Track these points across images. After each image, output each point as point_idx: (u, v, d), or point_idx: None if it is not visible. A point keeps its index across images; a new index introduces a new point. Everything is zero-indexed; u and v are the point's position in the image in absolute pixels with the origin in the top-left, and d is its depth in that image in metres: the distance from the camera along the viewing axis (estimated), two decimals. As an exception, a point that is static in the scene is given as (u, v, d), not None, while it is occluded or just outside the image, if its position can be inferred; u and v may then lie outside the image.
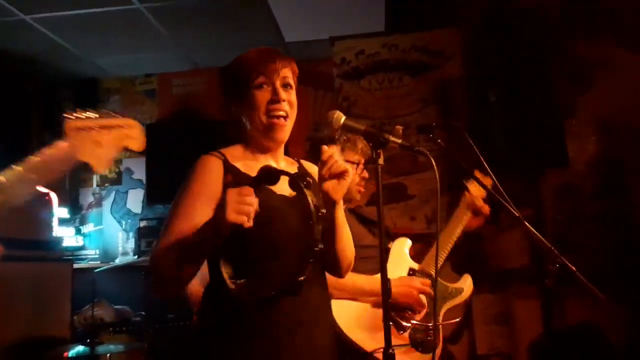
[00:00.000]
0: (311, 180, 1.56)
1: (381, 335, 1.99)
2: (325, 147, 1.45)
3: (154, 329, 3.30)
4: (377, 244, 2.27)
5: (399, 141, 1.63)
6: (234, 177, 1.48)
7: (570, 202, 3.60)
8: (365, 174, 2.36)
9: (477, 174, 2.45)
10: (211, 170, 1.49)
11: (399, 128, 2.33)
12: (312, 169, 1.73)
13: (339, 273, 1.67)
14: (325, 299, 1.61)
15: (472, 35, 3.90)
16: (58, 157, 1.03)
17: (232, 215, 1.23)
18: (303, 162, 1.76)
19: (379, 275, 1.47)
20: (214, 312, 1.48)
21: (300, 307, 1.48)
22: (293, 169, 1.68)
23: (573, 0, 3.74)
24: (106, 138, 1.05)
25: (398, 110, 3.97)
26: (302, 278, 1.39)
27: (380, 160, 1.52)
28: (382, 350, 1.95)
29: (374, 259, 2.23)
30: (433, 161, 1.59)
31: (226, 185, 1.46)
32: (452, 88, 3.98)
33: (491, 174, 2.31)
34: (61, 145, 1.03)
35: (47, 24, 4.06)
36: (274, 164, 1.57)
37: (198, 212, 1.41)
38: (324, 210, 1.52)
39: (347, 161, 2.27)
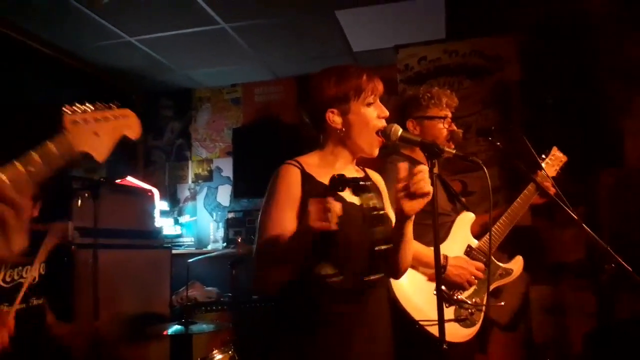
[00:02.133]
0: (370, 185, 1.59)
1: (430, 307, 1.97)
2: (404, 165, 1.41)
3: (239, 309, 3.40)
4: (449, 212, 2.25)
5: (453, 152, 1.60)
6: (309, 185, 1.52)
7: (625, 201, 3.36)
8: (454, 127, 2.28)
9: (555, 150, 2.37)
10: (291, 179, 1.53)
11: (459, 132, 2.30)
12: (374, 175, 1.75)
13: (394, 276, 1.68)
14: (385, 299, 1.63)
15: (527, 40, 3.73)
16: (58, 150, 0.97)
17: (315, 223, 1.27)
18: (367, 170, 1.76)
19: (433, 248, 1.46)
20: (295, 301, 1.52)
21: (369, 302, 1.51)
22: (359, 175, 1.69)
23: (622, 1, 3.49)
24: (104, 129, 1.01)
25: (458, 111, 3.86)
26: (369, 278, 1.46)
27: (436, 170, 1.49)
28: (427, 321, 1.95)
29: (443, 227, 2.22)
30: (485, 169, 1.55)
31: (305, 193, 1.50)
32: (510, 91, 3.84)
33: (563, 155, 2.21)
34: (61, 139, 0.97)
35: (148, 44, 4.27)
36: (345, 172, 1.59)
37: (286, 217, 1.47)
38: (381, 212, 1.55)
39: (434, 117, 2.25)
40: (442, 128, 2.26)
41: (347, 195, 1.52)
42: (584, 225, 2.06)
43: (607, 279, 1.80)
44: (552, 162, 2.36)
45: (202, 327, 2.77)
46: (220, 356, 2.40)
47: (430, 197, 1.41)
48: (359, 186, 1.48)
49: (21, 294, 2.13)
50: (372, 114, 1.56)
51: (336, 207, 1.27)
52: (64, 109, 1.00)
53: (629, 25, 3.42)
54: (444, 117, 2.27)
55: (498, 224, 2.27)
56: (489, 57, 3.95)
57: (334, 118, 1.57)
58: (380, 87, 1.59)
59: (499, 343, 3.55)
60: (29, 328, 2.14)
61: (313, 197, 1.31)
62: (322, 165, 1.58)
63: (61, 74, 4.36)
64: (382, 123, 1.57)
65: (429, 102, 2.27)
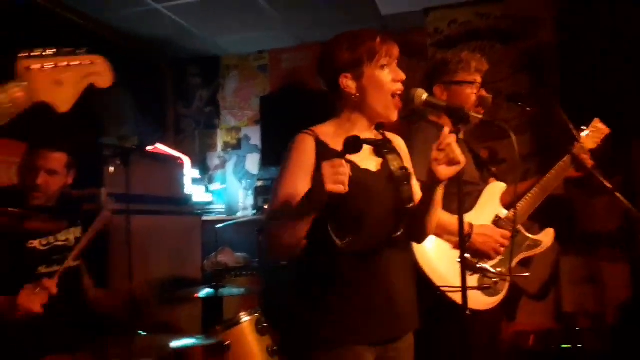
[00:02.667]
0: (394, 147, 1.59)
1: (453, 274, 1.98)
2: (445, 132, 1.42)
3: (267, 274, 3.48)
4: (477, 180, 2.23)
5: (479, 117, 1.58)
6: (322, 152, 1.53)
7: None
8: (483, 92, 2.24)
9: (597, 122, 2.30)
10: (304, 147, 1.55)
11: (489, 97, 2.25)
12: (395, 139, 1.74)
13: (418, 240, 1.70)
14: (408, 259, 1.65)
15: (564, 1, 3.57)
16: (11, 100, 0.86)
17: (329, 185, 1.28)
18: (387, 133, 1.75)
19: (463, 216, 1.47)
20: (314, 264, 1.55)
21: (389, 263, 1.53)
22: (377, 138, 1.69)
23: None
24: (67, 76, 0.90)
25: (489, 77, 3.76)
26: (397, 234, 1.51)
27: (461, 135, 1.48)
28: (450, 287, 1.96)
29: (471, 197, 2.20)
30: (512, 135, 1.53)
31: (318, 161, 1.51)
32: (544, 55, 3.71)
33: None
34: (13, 89, 0.86)
35: (175, 11, 4.27)
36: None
37: (298, 183, 1.49)
38: (407, 171, 1.57)
39: (463, 82, 2.20)
40: (471, 93, 2.22)
41: (364, 164, 1.54)
42: (619, 194, 2.01)
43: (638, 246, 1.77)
44: (593, 134, 2.28)
45: (231, 290, 2.87)
46: (247, 318, 2.49)
47: (462, 165, 1.42)
48: (382, 147, 1.48)
49: (76, 251, 2.21)
50: (387, 77, 1.55)
51: (347, 169, 1.29)
52: (19, 54, 0.89)
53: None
54: (473, 82, 2.22)
55: (529, 194, 2.23)
56: (523, 19, 3.81)
57: (348, 83, 1.56)
58: (395, 50, 1.56)
59: (527, 311, 3.55)
60: (67, 288, 2.24)
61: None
62: (338, 134, 1.58)
63: (87, 43, 4.40)
64: (398, 86, 1.55)
65: (457, 66, 2.22)
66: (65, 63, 0.92)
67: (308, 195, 1.37)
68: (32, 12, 3.80)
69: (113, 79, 0.96)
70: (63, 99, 0.90)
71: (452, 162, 1.41)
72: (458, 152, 1.41)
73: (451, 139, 1.41)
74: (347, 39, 1.58)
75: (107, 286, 2.86)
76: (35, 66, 0.88)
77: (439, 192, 1.53)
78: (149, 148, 4.37)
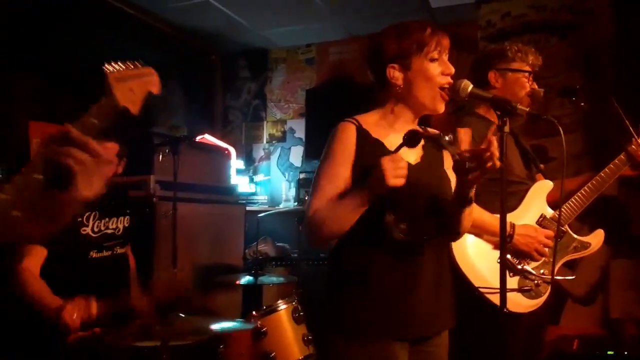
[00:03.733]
0: (452, 139, 1.60)
1: (492, 275, 1.96)
2: (493, 134, 1.40)
3: (306, 265, 3.53)
4: (523, 178, 2.18)
5: (526, 109, 1.55)
6: (363, 141, 1.54)
7: None
8: (535, 85, 2.20)
9: None
10: (346, 136, 1.56)
11: (540, 91, 2.19)
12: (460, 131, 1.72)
13: (453, 236, 1.70)
14: (445, 256, 1.66)
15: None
16: (108, 105, 1.05)
17: (391, 180, 1.32)
18: (429, 129, 1.74)
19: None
20: (353, 256, 1.56)
21: (425, 259, 1.54)
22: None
23: None
24: (136, 85, 1.09)
25: (543, 71, 3.63)
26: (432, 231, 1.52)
27: (506, 128, 1.45)
28: (488, 288, 1.93)
29: (516, 196, 2.17)
30: (560, 129, 1.49)
31: (358, 149, 1.53)
32: (600, 50, 3.56)
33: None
34: (110, 96, 1.05)
35: (225, 4, 4.35)
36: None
37: (339, 174, 1.52)
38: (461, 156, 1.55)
39: (520, 70, 2.17)
40: (526, 83, 2.17)
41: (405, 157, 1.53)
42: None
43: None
44: None
45: (270, 279, 2.94)
46: (284, 306, 2.54)
47: (492, 169, 1.39)
48: (440, 140, 1.47)
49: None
50: (436, 69, 1.54)
51: (406, 165, 1.33)
52: (105, 67, 1.07)
53: None
54: (530, 72, 2.17)
55: (579, 194, 2.17)
56: (580, 12, 3.66)
57: (395, 73, 1.56)
58: (445, 42, 1.55)
59: (573, 315, 3.43)
60: (114, 274, 2.37)
61: (369, 153, 1.38)
62: (380, 124, 1.60)
63: (142, 35, 4.56)
64: (447, 80, 1.54)
65: (515, 54, 2.19)
66: (134, 74, 1.10)
67: (365, 187, 1.39)
68: (85, 2, 3.96)
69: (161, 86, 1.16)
70: (135, 104, 1.09)
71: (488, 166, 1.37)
72: (496, 157, 1.38)
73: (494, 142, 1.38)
74: (397, 29, 1.59)
75: (153, 271, 2.97)
76: (120, 78, 1.07)
77: (472, 192, 1.52)
78: (197, 138, 4.50)
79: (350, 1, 4.28)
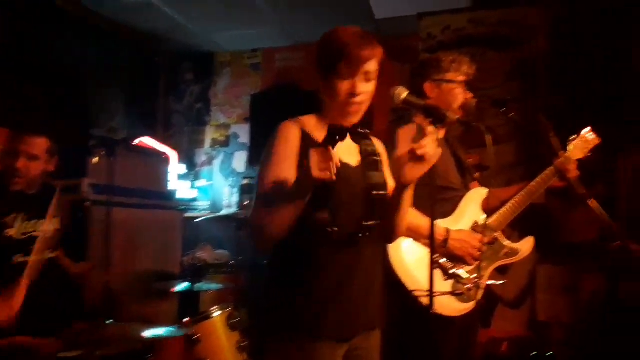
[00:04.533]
0: (373, 143, 1.65)
1: (427, 279, 2.01)
2: (411, 130, 1.44)
3: (245, 273, 3.51)
4: (458, 186, 2.25)
5: (456, 117, 1.60)
6: (306, 143, 1.54)
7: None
8: (469, 95, 2.26)
9: (587, 132, 2.32)
10: (290, 135, 1.55)
11: (473, 101, 2.28)
12: (375, 141, 1.76)
13: (387, 239, 1.73)
14: (379, 257, 1.68)
15: (559, 12, 3.61)
16: None
17: (316, 172, 1.31)
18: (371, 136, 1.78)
19: (437, 222, 1.47)
20: (288, 252, 1.55)
21: (360, 258, 1.56)
22: None
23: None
24: None
25: (480, 83, 3.79)
26: (369, 223, 1.52)
27: (440, 134, 1.50)
28: (421, 291, 1.97)
29: (452, 203, 2.22)
30: (489, 137, 1.56)
31: (302, 149, 1.52)
32: (536, 64, 3.75)
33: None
34: None
35: (170, 5, 4.30)
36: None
37: (284, 171, 1.49)
38: (377, 158, 1.62)
39: (453, 81, 2.23)
40: (459, 94, 2.25)
41: (345, 159, 1.56)
42: (595, 203, 2.04)
43: (611, 260, 1.77)
44: (582, 144, 2.30)
45: (207, 285, 2.90)
46: (219, 312, 2.52)
47: (430, 164, 1.43)
48: (359, 132, 1.49)
49: (37, 245, 2.24)
50: (343, 88, 1.53)
51: (334, 157, 1.30)
52: None
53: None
54: (463, 83, 2.25)
55: (511, 202, 2.27)
56: (517, 28, 3.86)
57: (320, 81, 1.59)
58: (365, 58, 1.51)
59: (503, 319, 3.57)
60: (44, 279, 2.26)
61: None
62: (319, 128, 1.61)
63: (85, 34, 4.43)
64: (353, 100, 1.54)
65: (450, 65, 2.25)
66: None
67: (298, 182, 1.39)
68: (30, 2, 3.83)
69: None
70: None
71: (426, 158, 1.42)
72: (434, 147, 1.42)
73: (433, 132, 1.42)
74: (323, 39, 1.59)
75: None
76: None
77: (407, 195, 1.55)
78: (135, 141, 4.39)
79: (297, 9, 4.31)
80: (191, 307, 3.22)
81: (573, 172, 2.26)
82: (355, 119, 1.59)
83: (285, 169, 1.49)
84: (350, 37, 1.53)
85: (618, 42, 3.26)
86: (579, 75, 3.45)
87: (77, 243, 2.90)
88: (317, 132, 1.59)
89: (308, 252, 1.52)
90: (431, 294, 1.55)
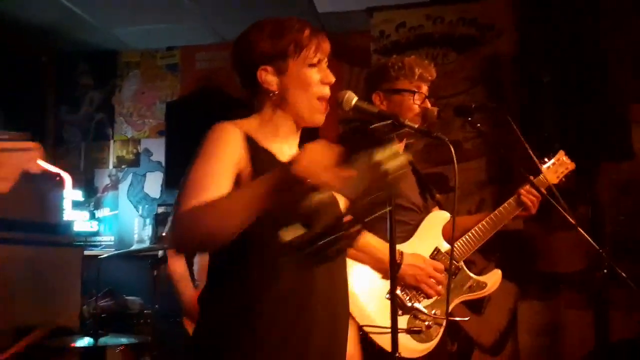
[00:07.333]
0: None
1: (378, 311, 2.04)
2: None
3: (162, 324, 3.39)
4: (420, 208, 2.25)
5: (415, 126, 1.64)
6: (255, 152, 1.50)
7: (633, 200, 3.43)
8: (427, 104, 2.27)
9: (561, 154, 2.40)
10: (231, 139, 1.49)
11: (434, 110, 2.31)
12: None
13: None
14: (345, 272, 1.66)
15: (526, 8, 3.79)
16: None
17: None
18: None
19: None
20: (239, 287, 1.49)
21: (325, 274, 1.52)
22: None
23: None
24: (7, 159, 1.09)
25: (442, 90, 3.91)
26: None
27: (400, 150, 1.51)
28: (373, 327, 1.99)
29: (410, 225, 2.25)
30: (452, 149, 1.61)
31: (255, 162, 1.48)
32: (502, 66, 3.92)
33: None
34: None
35: (62, -9, 4.19)
36: (288, 144, 1.60)
37: (222, 172, 1.43)
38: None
39: (403, 90, 2.25)
40: (413, 104, 2.27)
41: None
42: (577, 226, 2.11)
43: (598, 289, 1.82)
44: (556, 167, 2.38)
45: (115, 340, 2.84)
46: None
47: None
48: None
49: None
50: (315, 77, 1.57)
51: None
52: None
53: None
54: (415, 92, 2.28)
55: (474, 230, 2.31)
56: (480, 26, 4.02)
57: (267, 77, 1.56)
58: (326, 46, 1.59)
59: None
60: None
61: (265, 167, 1.35)
62: (262, 133, 1.58)
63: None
64: (325, 90, 1.58)
65: (398, 72, 2.28)
66: (4, 147, 1.10)
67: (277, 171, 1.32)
68: None
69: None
70: (4, 181, 1.10)
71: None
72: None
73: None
74: (271, 25, 1.58)
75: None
76: None
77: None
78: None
79: (223, 1, 4.29)
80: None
81: (533, 208, 2.31)
82: (322, 118, 1.60)
83: (223, 168, 1.43)
84: (309, 25, 1.59)
85: (589, 44, 3.44)
86: (548, 78, 3.60)
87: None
88: (261, 138, 1.54)
89: (261, 285, 1.46)
90: (394, 332, 1.54)
